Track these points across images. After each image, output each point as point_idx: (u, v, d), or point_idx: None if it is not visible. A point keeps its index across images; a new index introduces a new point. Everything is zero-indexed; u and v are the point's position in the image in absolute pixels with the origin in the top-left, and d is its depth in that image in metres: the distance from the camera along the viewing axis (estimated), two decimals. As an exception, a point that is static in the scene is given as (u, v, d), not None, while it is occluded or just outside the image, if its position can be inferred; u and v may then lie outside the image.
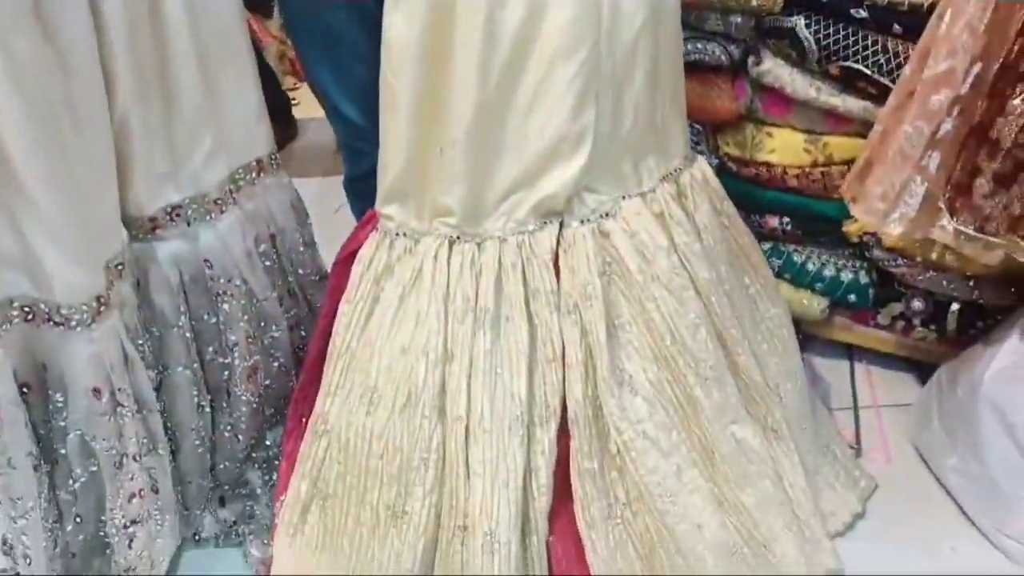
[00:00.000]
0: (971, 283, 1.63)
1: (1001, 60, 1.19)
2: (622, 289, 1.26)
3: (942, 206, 1.28)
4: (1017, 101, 1.17)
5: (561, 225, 1.24)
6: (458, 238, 1.22)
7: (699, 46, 1.59)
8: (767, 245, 1.76)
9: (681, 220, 1.30)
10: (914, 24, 1.42)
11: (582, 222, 1.24)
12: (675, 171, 1.33)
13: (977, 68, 1.23)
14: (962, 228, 1.25)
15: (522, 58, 1.14)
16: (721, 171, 1.69)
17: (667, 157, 1.32)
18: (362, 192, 1.32)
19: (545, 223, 1.22)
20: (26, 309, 1.16)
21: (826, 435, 1.57)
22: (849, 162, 1.62)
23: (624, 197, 1.27)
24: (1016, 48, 1.17)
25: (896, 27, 1.46)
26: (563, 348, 1.23)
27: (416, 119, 1.17)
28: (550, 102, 1.15)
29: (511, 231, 1.22)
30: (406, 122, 1.18)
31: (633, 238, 1.25)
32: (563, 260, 1.24)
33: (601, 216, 1.25)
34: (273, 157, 1.43)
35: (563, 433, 1.24)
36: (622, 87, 1.21)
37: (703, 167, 1.38)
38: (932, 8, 1.36)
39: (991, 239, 1.25)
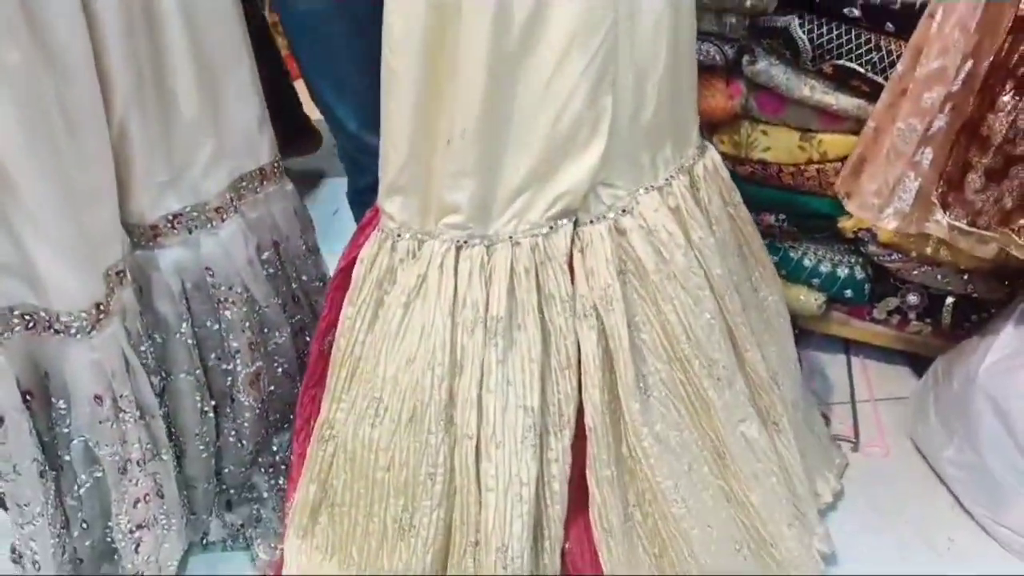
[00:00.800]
0: (965, 277, 1.64)
1: (992, 58, 1.20)
2: (636, 287, 1.23)
3: (935, 201, 1.30)
4: (1007, 97, 1.18)
5: (575, 223, 1.19)
6: (465, 242, 1.17)
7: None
8: (764, 241, 1.77)
9: (696, 214, 1.27)
10: (907, 22, 1.43)
11: (598, 220, 1.19)
12: (690, 161, 1.30)
13: (968, 65, 1.24)
14: (955, 223, 1.27)
15: (534, 42, 1.08)
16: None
17: (684, 147, 1.28)
18: (366, 204, 1.29)
19: (559, 223, 1.18)
20: (27, 317, 1.17)
21: (810, 416, 1.59)
22: (843, 159, 1.64)
23: (641, 191, 1.22)
24: (1006, 45, 1.18)
25: (889, 25, 1.47)
26: (578, 354, 1.20)
27: (420, 106, 1.11)
28: (564, 89, 1.09)
29: (524, 233, 1.16)
30: (410, 109, 1.11)
31: (651, 235, 1.22)
32: (578, 261, 1.20)
33: (618, 212, 1.20)
34: (276, 165, 1.42)
35: (576, 439, 1.23)
36: (644, 73, 1.16)
37: (714, 156, 1.36)
38: (924, 6, 1.37)
39: (984, 233, 1.26)
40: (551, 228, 1.17)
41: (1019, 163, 1.21)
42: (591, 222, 1.20)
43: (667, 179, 1.25)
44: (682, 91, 1.25)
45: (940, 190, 1.28)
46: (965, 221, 1.26)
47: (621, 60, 1.13)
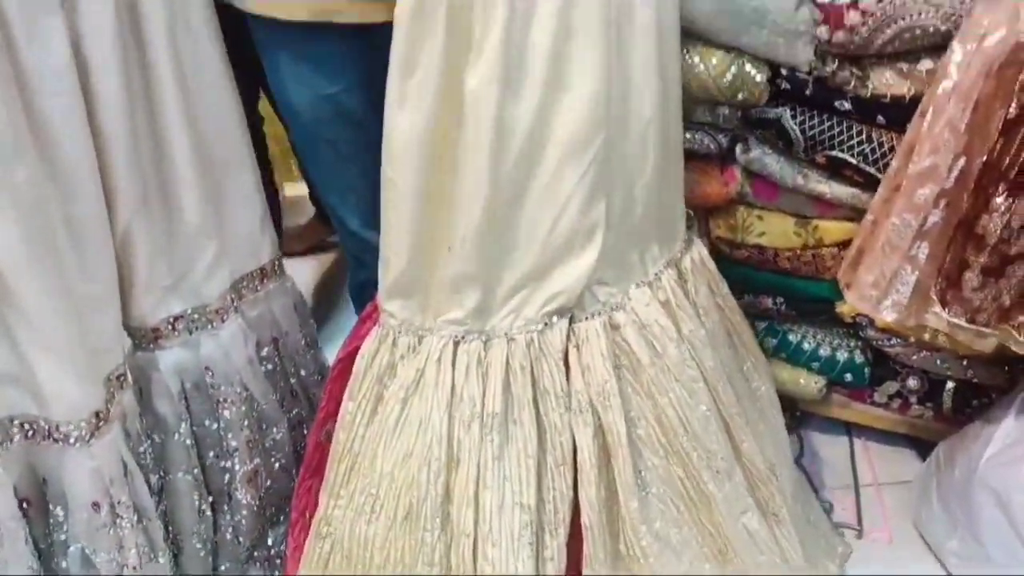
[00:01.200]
0: (965, 362, 1.64)
1: (984, 158, 1.21)
2: (631, 382, 1.24)
3: (934, 297, 1.30)
4: (1000, 199, 1.19)
5: (571, 319, 1.21)
6: (463, 337, 1.19)
7: (688, 136, 1.62)
8: (762, 324, 1.78)
9: (685, 307, 1.29)
10: (897, 115, 1.45)
11: (592, 316, 1.22)
12: (678, 255, 1.33)
13: (961, 163, 1.25)
14: (953, 320, 1.27)
15: (533, 156, 1.12)
16: (714, 253, 1.70)
17: (671, 242, 1.32)
18: (367, 297, 1.31)
19: (554, 319, 1.20)
20: (26, 426, 1.17)
21: (808, 506, 1.58)
22: (839, 244, 1.65)
23: (632, 287, 1.25)
24: (998, 147, 1.20)
25: (880, 118, 1.49)
26: (573, 451, 1.20)
27: (419, 216, 1.14)
28: (560, 199, 1.13)
29: (519, 329, 1.19)
30: (409, 219, 1.14)
31: (644, 330, 1.24)
32: (574, 357, 1.21)
33: (611, 309, 1.23)
34: (277, 262, 1.44)
35: (571, 538, 1.22)
36: (633, 177, 1.20)
37: (700, 249, 1.39)
38: (914, 100, 1.40)
39: (983, 330, 1.26)
40: (546, 324, 1.20)
41: (1015, 262, 1.22)
42: (586, 318, 1.22)
43: (656, 274, 1.28)
44: (669, 189, 1.29)
45: (939, 286, 1.28)
46: (964, 319, 1.26)
47: (613, 166, 1.16)
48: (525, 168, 1.12)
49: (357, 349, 1.27)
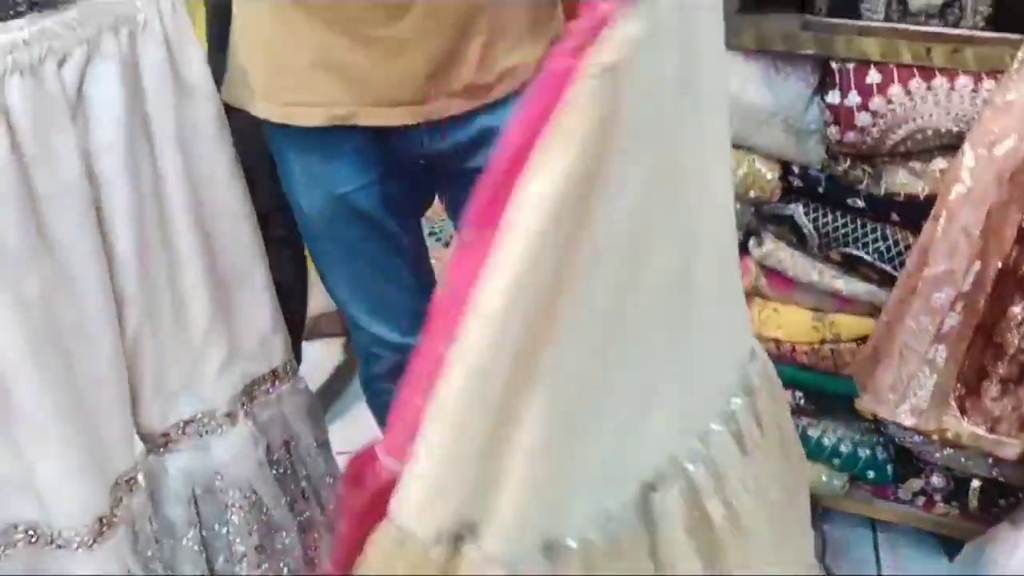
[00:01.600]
0: (990, 460, 1.60)
1: (1000, 264, 1.20)
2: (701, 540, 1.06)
3: (952, 403, 1.28)
4: (1017, 308, 1.18)
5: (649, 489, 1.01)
6: (526, 555, 0.88)
7: (702, 231, 1.62)
8: (781, 417, 1.75)
9: (754, 434, 1.13)
10: (912, 213, 1.45)
11: (671, 483, 1.01)
12: (746, 371, 1.17)
13: (977, 267, 1.24)
14: (973, 429, 1.24)
15: (608, 345, 0.91)
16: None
17: (739, 359, 1.17)
18: (380, 391, 1.27)
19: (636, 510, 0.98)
20: (29, 532, 1.17)
21: None
22: (858, 339, 1.62)
23: (709, 424, 1.08)
24: (1013, 255, 1.19)
25: (894, 216, 1.48)
26: None
27: (479, 433, 0.82)
28: (635, 379, 0.94)
29: (596, 530, 0.94)
30: (461, 441, 0.81)
31: (720, 481, 1.06)
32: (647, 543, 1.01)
33: (690, 463, 1.04)
34: (288, 364, 1.44)
35: None
36: (702, 320, 1.03)
37: (760, 352, 1.23)
38: (929, 198, 1.39)
39: (1003, 439, 1.24)
40: (624, 519, 0.97)
41: (1034, 371, 1.20)
42: (664, 487, 1.01)
43: (731, 402, 1.13)
44: (733, 308, 1.16)
45: (958, 393, 1.26)
46: (984, 427, 1.24)
47: (683, 317, 1.01)
48: (601, 359, 0.91)
49: (359, 478, 0.90)
